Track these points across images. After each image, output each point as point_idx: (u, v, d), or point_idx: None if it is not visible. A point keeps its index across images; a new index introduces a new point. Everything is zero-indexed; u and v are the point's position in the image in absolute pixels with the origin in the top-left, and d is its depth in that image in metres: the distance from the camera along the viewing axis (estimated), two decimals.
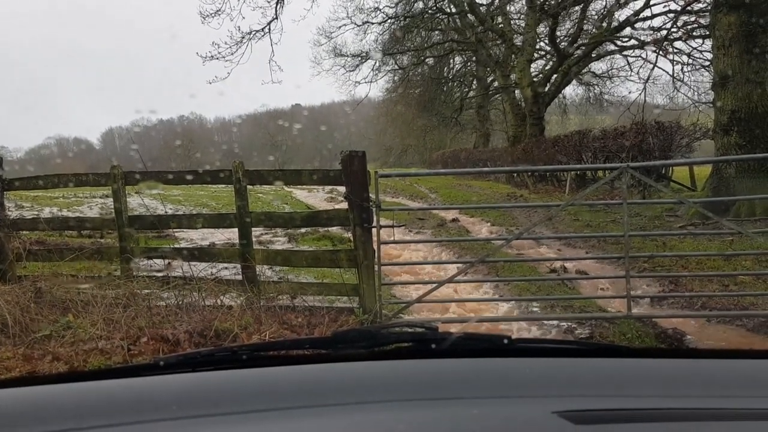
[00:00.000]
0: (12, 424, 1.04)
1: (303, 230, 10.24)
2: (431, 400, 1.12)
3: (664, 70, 23.76)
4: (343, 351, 1.35)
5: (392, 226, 5.65)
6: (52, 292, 5.28)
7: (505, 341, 1.34)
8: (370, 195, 5.16)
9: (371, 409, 1.09)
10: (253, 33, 20.48)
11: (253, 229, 5.56)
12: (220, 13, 19.80)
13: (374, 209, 5.14)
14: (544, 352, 1.45)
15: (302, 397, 1.13)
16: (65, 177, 5.82)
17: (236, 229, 5.50)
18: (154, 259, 6.16)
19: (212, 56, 20.43)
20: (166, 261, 5.99)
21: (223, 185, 5.68)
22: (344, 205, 5.24)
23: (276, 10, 20.34)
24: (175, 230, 10.02)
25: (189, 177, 5.80)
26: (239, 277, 5.55)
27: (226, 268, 6.56)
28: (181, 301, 4.98)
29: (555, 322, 5.60)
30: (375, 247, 5.16)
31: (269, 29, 20.42)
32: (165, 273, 5.56)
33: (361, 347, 1.34)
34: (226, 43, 20.59)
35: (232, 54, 20.39)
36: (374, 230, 5.15)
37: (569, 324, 5.58)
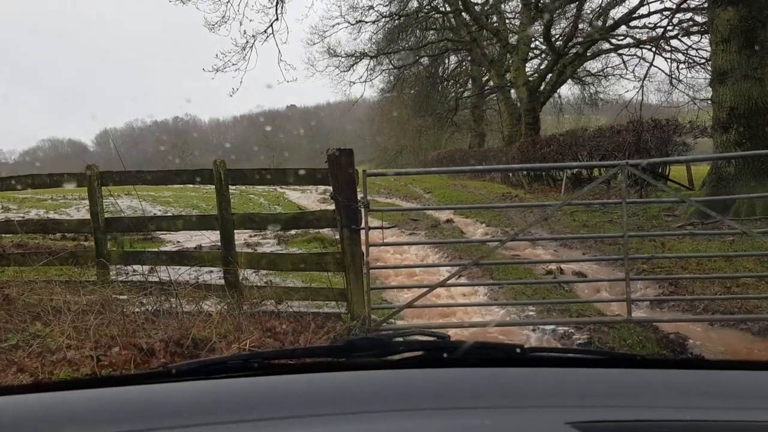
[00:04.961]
0: (24, 430, 1.06)
1: (293, 232, 10.01)
2: (443, 409, 1.12)
3: (660, 69, 23.68)
4: (355, 359, 1.35)
5: (381, 228, 5.40)
6: (23, 299, 5.02)
7: (518, 350, 1.34)
8: (359, 195, 4.93)
9: (382, 418, 1.09)
10: (257, 35, 20.49)
11: (242, 231, 5.31)
12: (226, 20, 19.84)
13: (362, 210, 4.91)
14: (557, 361, 1.43)
15: (313, 405, 1.13)
16: (39, 178, 5.57)
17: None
18: (132, 265, 5.90)
19: (217, 69, 20.49)
20: (144, 266, 5.73)
21: (208, 185, 5.44)
22: (333, 206, 5.00)
23: (277, 11, 20.28)
24: (159, 233, 9.78)
25: (170, 177, 5.55)
26: (222, 282, 5.31)
27: (211, 272, 6.32)
28: (158, 308, 4.73)
29: (552, 327, 5.38)
30: (364, 249, 4.93)
31: (272, 30, 20.40)
32: (142, 278, 5.30)
33: (373, 356, 1.34)
34: (230, 52, 20.64)
35: (244, 59, 20.45)
36: (363, 232, 4.91)
37: (567, 329, 5.35)
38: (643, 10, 21.86)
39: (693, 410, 1.12)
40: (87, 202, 5.64)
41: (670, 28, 19.26)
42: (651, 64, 16.08)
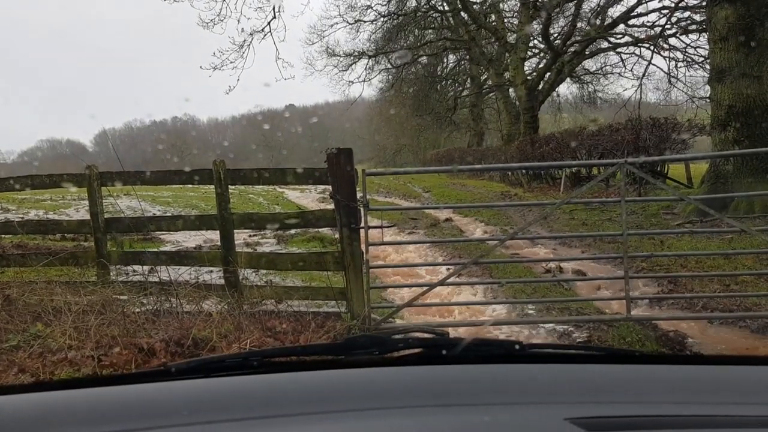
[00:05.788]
0: (25, 429, 1.06)
1: (293, 231, 10.00)
2: (442, 406, 1.12)
3: (658, 67, 23.76)
4: (354, 357, 1.35)
5: (381, 227, 5.41)
6: (23, 299, 5.02)
7: (517, 347, 1.34)
8: (358, 194, 4.93)
9: (382, 415, 1.09)
10: (255, 33, 20.45)
11: (241, 230, 5.32)
12: (222, 18, 19.82)
13: (362, 209, 4.91)
14: (555, 357, 1.44)
15: (313, 403, 1.13)
16: (38, 178, 5.56)
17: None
18: (132, 265, 5.90)
19: (215, 67, 20.44)
20: (144, 266, 5.73)
21: (207, 185, 5.45)
22: (332, 205, 5.00)
23: (274, 8, 20.26)
24: (158, 233, 9.77)
25: (168, 177, 5.55)
26: (222, 282, 5.31)
27: (210, 271, 6.32)
28: (158, 308, 4.73)
29: (551, 326, 5.39)
30: (363, 248, 4.94)
31: (270, 28, 20.35)
32: (143, 278, 5.30)
33: (372, 353, 1.34)
34: (228, 50, 20.61)
35: (242, 57, 20.42)
36: (363, 231, 4.92)
37: (566, 327, 5.36)
38: (642, 9, 21.90)
39: (692, 405, 1.12)
40: (86, 202, 5.64)
41: (668, 26, 19.28)
42: (649, 63, 16.07)
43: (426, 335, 1.53)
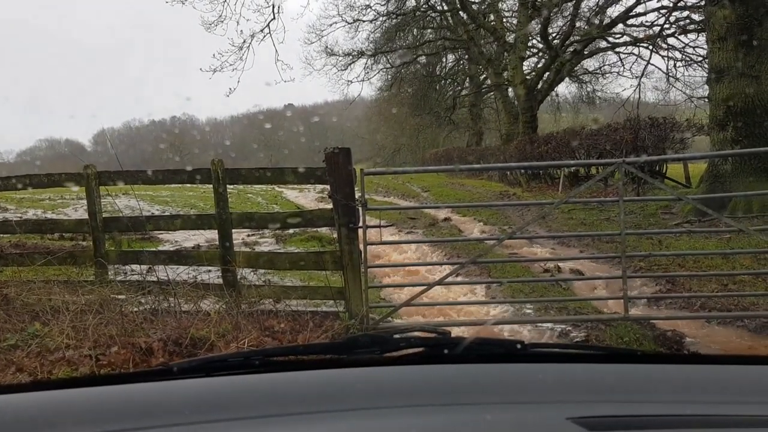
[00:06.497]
0: (26, 428, 1.05)
1: (291, 231, 10.00)
2: (444, 405, 1.12)
3: (657, 67, 23.73)
4: (355, 356, 1.35)
5: (379, 226, 5.41)
6: (21, 299, 5.02)
7: (518, 346, 1.34)
8: (357, 194, 4.93)
9: (383, 414, 1.09)
10: (255, 34, 20.47)
11: (240, 230, 5.31)
12: (223, 19, 19.89)
13: (360, 208, 4.91)
14: (557, 357, 1.43)
15: (314, 402, 1.13)
16: (37, 177, 5.56)
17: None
18: (130, 264, 5.89)
19: (215, 69, 20.47)
20: (142, 265, 5.73)
21: (206, 185, 5.44)
22: (331, 205, 5.01)
23: (274, 10, 20.25)
24: (157, 232, 9.76)
25: (167, 177, 5.54)
26: (220, 281, 5.31)
27: (209, 271, 6.31)
28: (156, 307, 4.73)
29: (549, 325, 5.39)
30: (362, 247, 4.94)
31: (269, 30, 20.35)
32: (141, 277, 5.30)
33: (374, 353, 1.34)
34: (227, 52, 20.64)
35: (241, 59, 20.46)
36: (361, 230, 4.92)
37: (564, 327, 5.36)
38: (640, 9, 21.93)
39: (693, 405, 1.12)
40: (85, 201, 5.63)
41: (667, 26, 19.29)
42: (648, 62, 16.09)
43: (427, 334, 1.52)
